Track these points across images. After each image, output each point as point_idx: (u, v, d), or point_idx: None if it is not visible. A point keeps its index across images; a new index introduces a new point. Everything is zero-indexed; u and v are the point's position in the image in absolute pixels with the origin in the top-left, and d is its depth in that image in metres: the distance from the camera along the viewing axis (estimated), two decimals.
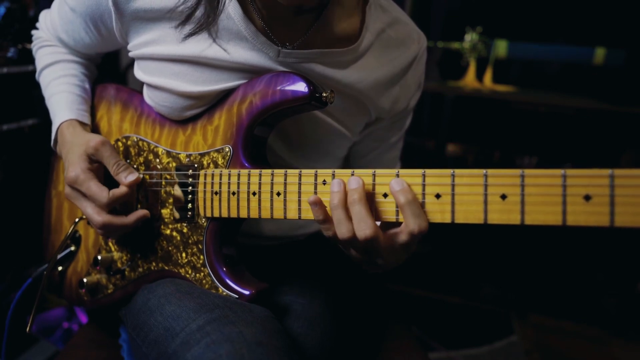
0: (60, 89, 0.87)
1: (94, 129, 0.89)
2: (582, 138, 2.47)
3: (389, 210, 0.60)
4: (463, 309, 2.22)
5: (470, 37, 2.26)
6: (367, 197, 0.60)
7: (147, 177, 0.82)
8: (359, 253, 0.63)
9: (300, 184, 0.65)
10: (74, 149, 0.79)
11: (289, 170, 0.66)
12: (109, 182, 0.79)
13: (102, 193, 0.75)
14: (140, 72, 0.80)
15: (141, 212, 0.78)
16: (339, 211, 0.60)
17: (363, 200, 0.59)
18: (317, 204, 0.62)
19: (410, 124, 0.98)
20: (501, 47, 2.42)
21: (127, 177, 0.77)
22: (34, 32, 0.97)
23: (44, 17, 0.93)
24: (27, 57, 1.57)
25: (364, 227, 0.58)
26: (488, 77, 2.37)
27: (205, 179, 0.75)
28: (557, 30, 2.44)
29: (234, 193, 0.71)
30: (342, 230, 0.60)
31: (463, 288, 2.35)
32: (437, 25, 2.58)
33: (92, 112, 0.91)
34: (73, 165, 0.77)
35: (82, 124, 0.86)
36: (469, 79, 2.36)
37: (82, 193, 0.77)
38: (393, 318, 1.01)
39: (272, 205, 0.68)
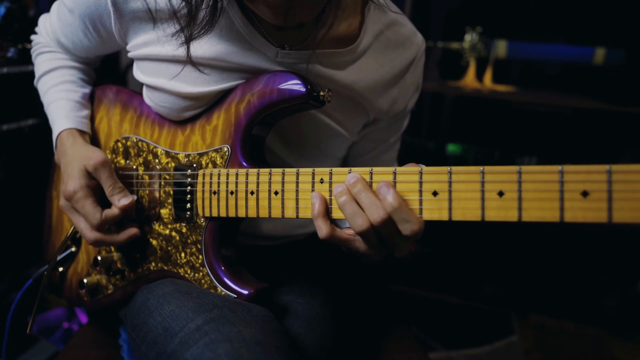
0: (59, 96, 0.87)
1: (95, 131, 0.90)
2: (582, 138, 2.46)
3: None
4: (463, 309, 2.22)
5: (470, 37, 2.26)
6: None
7: (147, 177, 0.82)
8: (374, 247, 0.62)
9: (297, 182, 0.65)
10: (73, 163, 0.79)
11: (287, 170, 0.66)
12: (105, 198, 0.79)
13: (95, 214, 0.75)
14: (139, 72, 0.80)
15: (132, 231, 0.79)
16: (349, 205, 0.60)
17: (367, 188, 0.59)
18: (319, 198, 0.63)
19: (410, 123, 0.98)
20: (501, 47, 2.42)
21: (120, 201, 0.77)
22: (33, 37, 0.96)
23: (43, 21, 0.93)
24: (27, 57, 1.55)
25: (376, 210, 0.58)
26: (488, 77, 2.36)
27: (203, 178, 0.75)
28: (557, 30, 2.43)
29: (232, 192, 0.71)
30: (358, 222, 0.59)
31: (463, 288, 2.35)
32: (437, 25, 2.58)
33: (92, 114, 0.91)
34: (72, 179, 0.77)
35: (81, 132, 0.86)
36: (469, 79, 2.35)
37: (76, 209, 0.77)
38: (393, 318, 1.01)
39: (270, 204, 0.68)
